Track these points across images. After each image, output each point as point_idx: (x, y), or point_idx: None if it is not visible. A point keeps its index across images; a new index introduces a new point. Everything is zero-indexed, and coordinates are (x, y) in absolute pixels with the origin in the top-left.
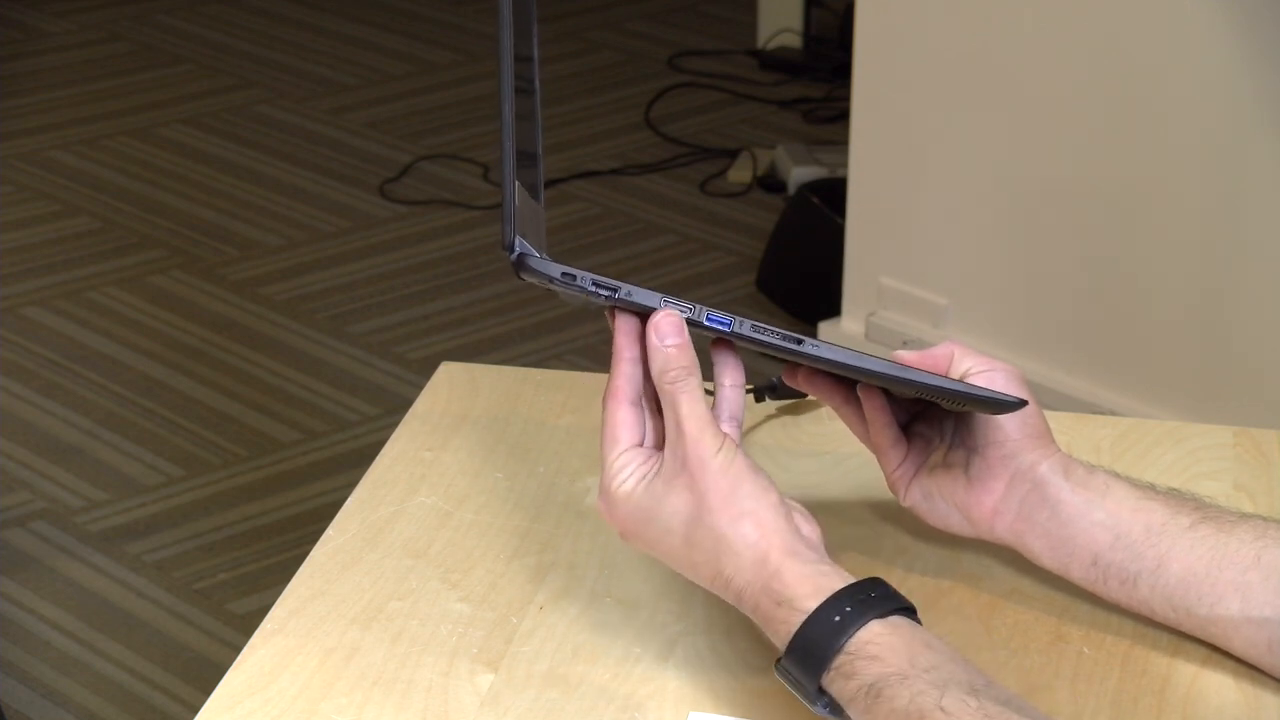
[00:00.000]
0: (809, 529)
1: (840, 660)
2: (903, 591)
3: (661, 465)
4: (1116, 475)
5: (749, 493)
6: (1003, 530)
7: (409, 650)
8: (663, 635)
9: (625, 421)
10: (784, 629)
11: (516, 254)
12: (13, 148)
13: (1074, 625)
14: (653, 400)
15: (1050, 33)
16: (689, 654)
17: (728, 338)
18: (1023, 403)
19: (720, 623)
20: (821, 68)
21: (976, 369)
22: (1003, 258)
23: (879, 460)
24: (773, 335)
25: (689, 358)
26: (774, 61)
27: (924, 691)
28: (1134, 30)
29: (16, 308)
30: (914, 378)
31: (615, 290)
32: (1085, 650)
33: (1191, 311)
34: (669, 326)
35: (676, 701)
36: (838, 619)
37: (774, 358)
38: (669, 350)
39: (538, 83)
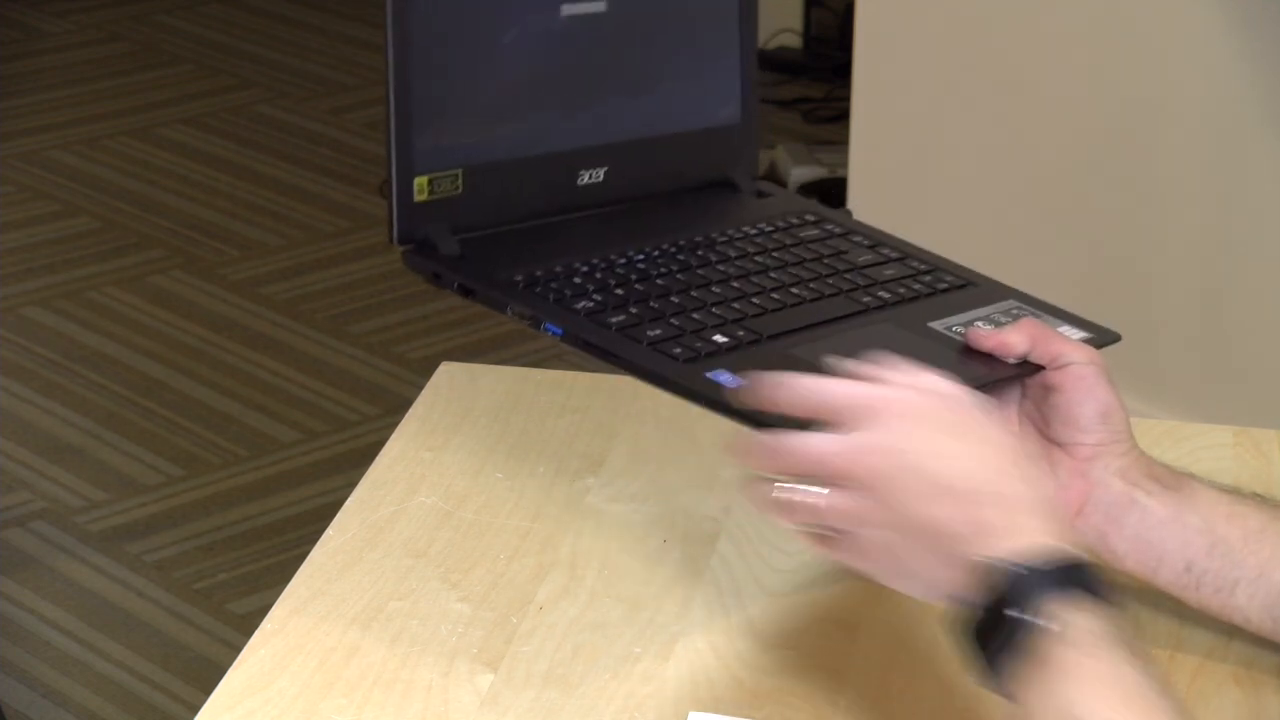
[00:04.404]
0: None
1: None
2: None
3: None
4: (1195, 476)
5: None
6: (1085, 528)
7: (409, 650)
8: (663, 635)
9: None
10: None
11: (404, 250)
12: (13, 148)
13: None
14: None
15: (1050, 33)
16: (689, 654)
17: (564, 341)
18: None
19: (720, 623)
20: (821, 68)
21: (1061, 360)
22: (1002, 257)
23: None
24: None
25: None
26: (774, 61)
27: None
28: (1134, 30)
29: (16, 308)
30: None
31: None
32: None
33: (1191, 311)
34: (753, 449)
35: (676, 701)
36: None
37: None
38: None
39: None
